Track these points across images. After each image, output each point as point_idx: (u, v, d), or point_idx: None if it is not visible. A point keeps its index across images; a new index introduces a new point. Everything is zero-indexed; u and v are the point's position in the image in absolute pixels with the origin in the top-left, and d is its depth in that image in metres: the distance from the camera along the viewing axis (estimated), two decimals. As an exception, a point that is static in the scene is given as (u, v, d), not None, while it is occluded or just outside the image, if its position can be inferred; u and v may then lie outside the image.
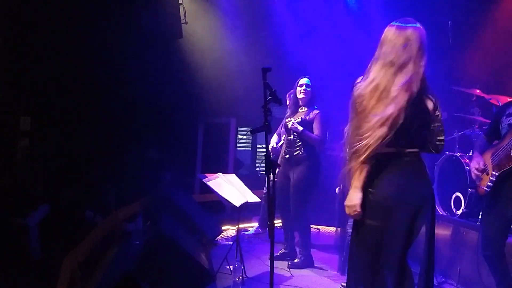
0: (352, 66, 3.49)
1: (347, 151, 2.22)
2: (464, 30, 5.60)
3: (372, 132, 2.12)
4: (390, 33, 2.24)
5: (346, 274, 2.43)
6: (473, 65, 5.49)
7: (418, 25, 2.25)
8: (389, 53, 2.19)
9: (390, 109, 2.12)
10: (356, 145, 2.14)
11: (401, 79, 2.16)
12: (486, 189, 2.87)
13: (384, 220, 2.18)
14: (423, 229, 2.28)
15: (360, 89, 2.19)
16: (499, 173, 2.80)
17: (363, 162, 2.13)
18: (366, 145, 2.12)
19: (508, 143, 2.77)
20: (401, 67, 2.17)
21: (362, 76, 2.27)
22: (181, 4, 5.94)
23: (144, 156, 6.38)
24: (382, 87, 2.15)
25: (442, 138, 2.30)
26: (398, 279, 2.18)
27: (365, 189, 2.19)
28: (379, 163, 2.17)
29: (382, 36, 2.25)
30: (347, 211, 2.22)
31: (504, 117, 2.94)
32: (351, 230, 2.41)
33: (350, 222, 3.62)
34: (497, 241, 2.93)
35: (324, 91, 5.04)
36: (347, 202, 2.21)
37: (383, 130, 2.11)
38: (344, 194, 3.62)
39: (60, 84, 5.66)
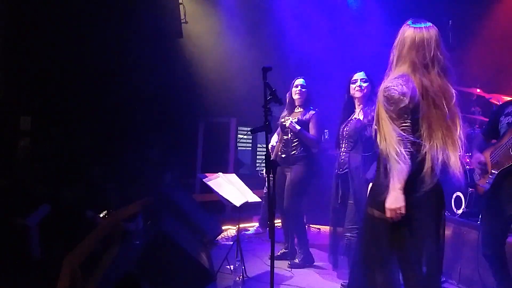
0: (352, 65, 3.50)
1: (385, 150, 2.16)
2: (464, 29, 5.59)
3: (431, 134, 2.14)
4: (407, 33, 2.24)
5: (341, 271, 2.42)
6: (474, 64, 5.49)
7: (430, 23, 2.28)
8: (432, 55, 2.18)
9: (439, 110, 2.15)
10: (403, 144, 2.10)
11: (447, 82, 2.19)
12: (486, 188, 2.87)
13: (428, 220, 2.18)
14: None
15: (402, 90, 2.14)
16: (498, 171, 2.80)
17: (405, 162, 2.09)
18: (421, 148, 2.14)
19: (507, 141, 2.77)
20: (446, 69, 2.20)
21: (387, 77, 2.25)
22: (181, 3, 5.94)
23: (144, 156, 6.38)
24: (432, 88, 2.15)
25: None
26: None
27: (381, 183, 2.19)
28: (416, 161, 2.14)
29: (413, 39, 2.22)
30: (390, 214, 2.14)
31: (503, 116, 2.94)
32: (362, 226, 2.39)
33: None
34: (497, 240, 2.93)
35: (325, 90, 5.05)
36: (389, 205, 2.13)
37: (439, 132, 2.14)
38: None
39: (60, 84, 5.67)
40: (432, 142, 2.14)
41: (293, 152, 4.27)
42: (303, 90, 4.32)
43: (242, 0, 6.52)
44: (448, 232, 4.07)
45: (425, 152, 2.14)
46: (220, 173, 4.22)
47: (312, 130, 4.23)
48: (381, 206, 2.17)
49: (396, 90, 2.13)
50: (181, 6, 5.94)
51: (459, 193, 4.14)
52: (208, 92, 6.39)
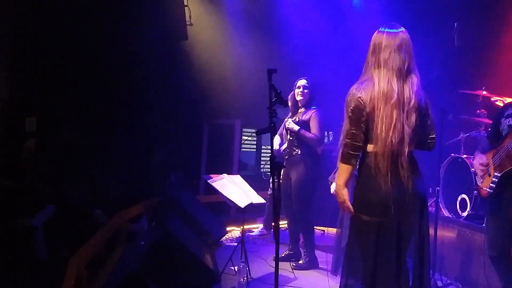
0: (356, 66, 3.50)
1: (342, 145, 2.33)
2: (470, 31, 5.57)
3: (387, 138, 2.23)
4: (383, 38, 2.33)
5: (340, 274, 2.46)
6: (479, 67, 5.47)
7: (403, 29, 2.38)
8: (389, 58, 2.28)
9: (394, 111, 2.24)
10: (352, 140, 2.27)
11: (410, 83, 2.29)
12: (489, 190, 2.86)
13: (384, 216, 2.26)
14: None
15: (365, 93, 2.27)
16: (501, 174, 2.79)
17: (350, 163, 2.28)
18: (373, 146, 2.27)
19: (508, 144, 2.76)
20: (406, 72, 2.30)
21: (358, 82, 2.35)
22: (186, 6, 5.96)
23: (150, 157, 6.40)
24: (394, 93, 2.25)
25: (433, 135, 2.43)
26: (396, 274, 2.27)
27: (361, 187, 2.33)
28: (370, 161, 2.29)
29: (375, 43, 2.35)
30: (341, 206, 2.38)
31: (504, 118, 2.93)
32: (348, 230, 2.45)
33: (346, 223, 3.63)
34: (502, 242, 2.92)
35: (329, 92, 5.04)
36: (339, 199, 2.36)
37: (395, 136, 2.23)
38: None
39: (66, 85, 5.70)
40: (385, 146, 2.24)
41: (295, 152, 4.28)
42: (306, 91, 4.33)
43: (247, 2, 6.53)
44: (453, 234, 4.06)
45: (375, 153, 2.26)
46: (224, 174, 4.23)
47: (312, 129, 4.21)
48: (368, 210, 2.29)
49: (356, 95, 2.27)
50: (186, 8, 5.96)
51: (464, 196, 4.12)
52: (212, 93, 6.40)
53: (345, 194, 2.34)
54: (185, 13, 5.98)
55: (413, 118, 2.27)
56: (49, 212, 4.15)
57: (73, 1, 5.50)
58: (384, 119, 2.23)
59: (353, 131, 2.27)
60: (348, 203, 2.33)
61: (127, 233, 4.15)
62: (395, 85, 2.26)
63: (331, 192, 4.03)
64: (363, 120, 2.26)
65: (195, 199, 5.35)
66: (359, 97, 2.26)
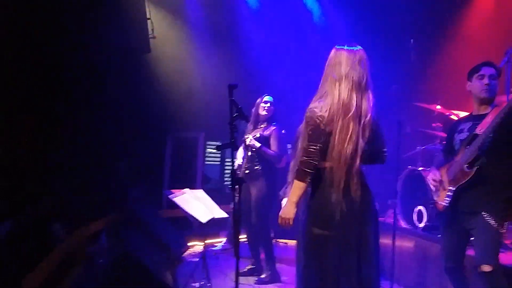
0: (316, 82, 3.57)
1: (294, 166, 2.39)
2: (426, 47, 5.79)
3: (342, 150, 2.28)
4: (343, 54, 2.40)
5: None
6: (435, 82, 5.69)
7: (360, 47, 2.46)
8: (349, 72, 2.35)
9: (351, 124, 2.30)
10: (309, 159, 2.29)
11: (367, 98, 2.36)
12: (444, 204, 2.95)
13: (336, 229, 2.31)
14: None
15: (324, 109, 2.31)
16: (455, 188, 2.87)
17: (305, 180, 2.31)
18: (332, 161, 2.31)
19: (461, 158, 2.85)
20: (365, 87, 2.37)
21: (315, 96, 2.42)
22: (149, 18, 5.91)
23: (111, 171, 6.26)
24: (352, 108, 2.31)
25: (385, 149, 2.51)
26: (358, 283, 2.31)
27: (314, 201, 2.36)
28: (326, 176, 2.32)
29: (335, 59, 2.41)
30: (281, 221, 2.40)
31: (456, 133, 3.03)
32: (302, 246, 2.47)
33: None
34: (456, 254, 3.00)
35: (290, 107, 5.11)
36: (283, 214, 2.38)
37: (350, 147, 2.29)
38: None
39: (23, 98, 5.53)
40: (339, 159, 2.29)
41: (257, 167, 4.31)
42: (271, 107, 4.39)
43: (211, 16, 6.56)
44: (410, 245, 4.16)
45: (331, 167, 2.31)
46: (186, 189, 4.20)
47: (273, 146, 4.29)
48: (322, 223, 2.32)
49: (315, 113, 2.32)
50: (149, 21, 5.91)
51: (421, 207, 4.24)
52: (176, 106, 6.36)
53: (293, 212, 2.37)
54: (147, 25, 5.92)
55: (368, 132, 2.34)
56: (4, 229, 3.99)
57: (28, 11, 5.36)
58: (341, 131, 2.29)
59: (311, 149, 2.30)
60: (292, 222, 2.37)
61: (85, 251, 4.03)
62: (354, 98, 2.32)
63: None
64: (321, 138, 2.30)
65: (156, 214, 5.27)
66: (319, 115, 2.31)
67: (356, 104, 2.31)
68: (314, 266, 2.35)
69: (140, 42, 5.93)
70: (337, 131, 2.29)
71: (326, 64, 2.45)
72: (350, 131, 2.28)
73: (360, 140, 2.31)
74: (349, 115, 2.29)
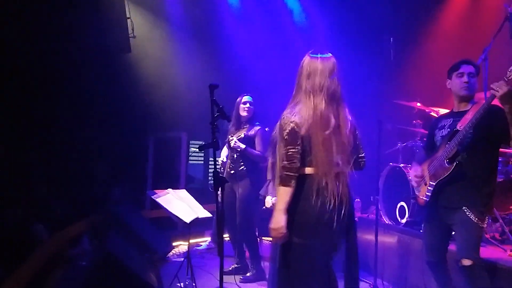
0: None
1: (277, 173, 2.34)
2: (405, 46, 5.86)
3: (320, 158, 2.29)
4: (318, 63, 2.38)
5: None
6: (414, 79, 5.76)
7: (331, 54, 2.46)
8: (325, 83, 2.35)
9: (331, 134, 2.31)
10: (290, 162, 2.28)
11: (342, 105, 2.38)
12: (425, 199, 2.99)
13: (317, 238, 2.31)
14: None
15: (298, 116, 2.32)
16: (435, 182, 2.92)
17: (289, 185, 2.28)
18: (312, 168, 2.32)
19: (441, 154, 2.90)
20: (340, 97, 2.39)
21: (288, 104, 2.42)
22: (129, 18, 5.86)
23: (92, 172, 6.19)
24: (326, 115, 2.32)
25: (363, 155, 2.53)
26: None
27: (295, 209, 2.32)
28: (308, 184, 2.32)
29: (308, 68, 2.39)
30: (273, 234, 2.31)
31: (437, 130, 3.08)
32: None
33: None
34: (439, 248, 3.05)
35: (271, 107, 5.12)
36: (273, 225, 2.30)
37: (328, 155, 2.30)
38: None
39: (2, 98, 5.43)
40: (324, 169, 2.30)
41: (241, 168, 4.33)
42: (251, 107, 4.40)
43: (191, 15, 6.53)
44: (393, 241, 4.21)
45: (313, 176, 2.31)
46: (169, 189, 4.17)
47: (258, 146, 4.31)
48: (302, 232, 2.31)
49: (289, 119, 2.31)
50: (129, 21, 5.86)
51: (402, 203, 4.30)
52: (158, 106, 6.32)
53: (283, 220, 2.28)
54: (127, 25, 5.87)
55: (350, 140, 2.37)
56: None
57: (7, 10, 5.26)
58: (323, 144, 2.29)
59: (290, 153, 2.29)
60: (284, 230, 2.28)
61: (67, 254, 3.98)
62: (332, 109, 2.33)
63: (266, 206, 4.11)
64: (298, 142, 2.29)
65: (139, 215, 5.22)
66: (293, 121, 2.30)
67: (334, 116, 2.33)
68: (287, 272, 2.34)
69: (120, 42, 5.88)
70: (319, 144, 2.29)
71: (299, 71, 2.42)
72: (333, 143, 2.30)
73: (344, 150, 2.33)
74: (330, 127, 2.30)
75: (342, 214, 2.33)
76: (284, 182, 2.29)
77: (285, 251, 2.34)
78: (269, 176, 2.41)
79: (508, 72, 2.66)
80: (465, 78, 2.94)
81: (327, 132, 2.30)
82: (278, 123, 2.38)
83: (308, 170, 2.32)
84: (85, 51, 5.70)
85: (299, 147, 2.29)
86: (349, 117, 2.41)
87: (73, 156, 5.82)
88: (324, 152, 2.29)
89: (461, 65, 2.97)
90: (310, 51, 2.46)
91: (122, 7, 5.75)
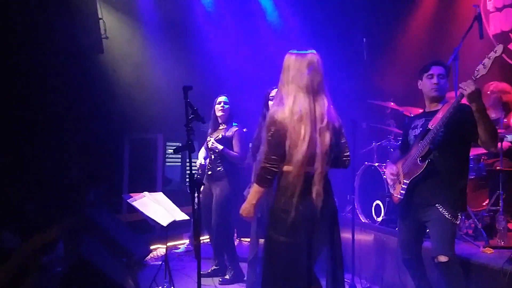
0: (272, 81, 3.61)
1: (256, 170, 2.41)
2: (378, 46, 5.93)
3: (298, 154, 2.28)
4: (292, 59, 2.41)
5: None
6: (387, 79, 5.84)
7: (314, 51, 2.47)
8: (295, 76, 2.37)
9: (311, 131, 2.30)
10: (270, 165, 2.31)
11: (321, 102, 2.36)
12: (400, 197, 3.04)
13: (297, 237, 2.31)
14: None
15: (280, 114, 2.32)
16: (409, 181, 2.96)
17: (264, 186, 2.35)
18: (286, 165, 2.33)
19: (414, 152, 2.95)
20: (317, 90, 2.37)
21: (274, 102, 2.47)
22: (101, 18, 5.76)
23: (66, 175, 6.07)
24: (305, 112, 2.31)
25: (348, 153, 2.53)
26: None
27: (274, 205, 2.36)
28: (288, 181, 2.32)
29: (284, 64, 2.43)
30: (241, 215, 2.50)
31: (411, 129, 3.14)
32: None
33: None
34: (413, 245, 3.10)
35: (248, 107, 5.12)
36: (242, 212, 2.49)
37: (307, 152, 2.28)
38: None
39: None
40: (299, 166, 2.29)
41: (219, 168, 4.31)
42: (226, 107, 4.39)
43: (165, 16, 6.47)
44: (369, 238, 4.27)
45: (293, 172, 2.31)
46: (145, 192, 4.13)
47: (235, 147, 4.30)
48: (285, 231, 2.31)
49: (272, 119, 2.32)
50: (101, 21, 5.77)
51: (378, 202, 4.36)
52: (133, 108, 6.22)
53: (252, 212, 2.45)
54: (99, 26, 5.78)
55: (327, 137, 2.33)
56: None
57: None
58: (297, 139, 2.29)
59: (271, 156, 2.31)
60: (251, 219, 2.53)
61: (40, 261, 3.90)
62: (305, 103, 2.32)
63: None
64: (282, 144, 2.30)
65: (115, 218, 5.15)
66: (276, 120, 2.31)
67: (308, 110, 2.31)
68: (269, 270, 2.36)
69: (93, 43, 5.78)
70: (293, 139, 2.29)
71: (282, 68, 2.47)
72: (307, 138, 2.28)
73: (320, 147, 2.30)
74: (302, 121, 2.29)
75: (324, 213, 2.33)
76: (261, 182, 2.35)
77: (265, 246, 2.37)
78: (253, 179, 2.43)
79: (475, 71, 2.72)
80: (434, 80, 2.99)
81: (299, 126, 2.29)
82: (266, 120, 2.41)
83: (288, 167, 2.32)
84: (57, 52, 5.58)
85: (281, 150, 2.31)
86: (332, 113, 2.39)
87: (46, 158, 5.69)
88: (297, 148, 2.28)
89: (431, 67, 3.03)
90: (293, 50, 2.48)
91: (94, 7, 5.65)
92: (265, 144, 2.35)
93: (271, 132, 2.31)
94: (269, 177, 2.32)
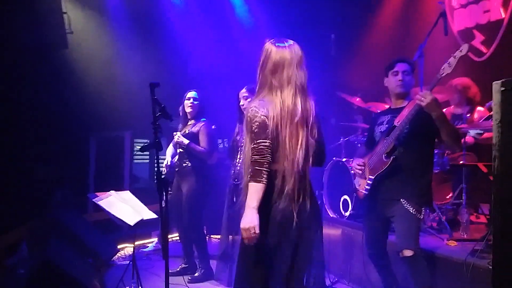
0: (243, 77, 3.59)
1: (246, 168, 2.23)
2: (345, 42, 6.00)
3: (287, 154, 2.19)
4: (286, 53, 2.27)
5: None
6: (355, 75, 5.92)
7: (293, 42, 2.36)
8: (292, 75, 2.24)
9: (300, 129, 2.22)
10: (260, 159, 2.16)
11: (309, 100, 2.27)
12: (365, 192, 3.08)
13: (285, 237, 2.21)
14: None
15: (267, 110, 2.20)
16: (374, 176, 3.01)
17: (261, 181, 2.15)
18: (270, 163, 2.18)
19: (380, 149, 3.00)
20: (306, 88, 2.28)
21: (254, 97, 2.31)
22: (65, 13, 5.60)
23: (31, 174, 5.89)
24: (292, 111, 2.21)
25: (325, 151, 2.43)
26: None
27: (267, 207, 2.21)
28: (275, 181, 2.21)
29: (277, 58, 2.26)
30: (245, 234, 2.15)
31: (377, 125, 3.18)
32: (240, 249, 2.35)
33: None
34: (378, 240, 3.15)
35: (219, 102, 5.09)
36: (245, 225, 2.14)
37: (302, 153, 2.20)
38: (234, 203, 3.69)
39: None
40: (292, 165, 2.20)
41: (186, 164, 4.26)
42: (195, 103, 4.33)
43: (131, 10, 6.34)
44: (337, 233, 4.32)
45: (281, 172, 2.21)
46: (112, 191, 4.04)
47: (202, 142, 4.22)
48: (271, 231, 2.20)
49: (258, 111, 2.19)
50: (65, 16, 5.60)
51: (346, 197, 4.41)
52: (98, 105, 6.08)
53: (256, 218, 2.13)
54: (63, 20, 5.61)
55: (315, 134, 2.27)
56: None
57: None
58: (291, 138, 2.19)
59: (261, 147, 2.16)
60: (257, 230, 2.13)
61: (3, 263, 3.78)
62: (299, 102, 2.22)
63: None
64: (268, 136, 2.17)
65: (81, 218, 5.04)
66: (263, 114, 2.19)
67: (301, 108, 2.22)
68: (244, 271, 2.28)
69: (56, 38, 5.62)
70: (286, 138, 2.19)
71: (264, 63, 2.29)
72: (300, 137, 2.20)
73: (310, 145, 2.24)
74: (296, 121, 2.20)
75: (308, 212, 2.25)
76: (255, 177, 2.14)
77: (247, 249, 2.23)
78: (247, 185, 2.24)
79: (441, 70, 2.79)
80: (399, 76, 3.05)
81: (294, 127, 2.20)
82: (246, 116, 2.26)
83: (275, 166, 2.21)
84: (18, 48, 5.40)
85: (269, 141, 2.17)
86: (314, 111, 2.30)
87: (10, 158, 5.51)
88: (291, 148, 2.19)
89: (395, 64, 3.08)
90: (273, 40, 2.33)
91: (57, 1, 5.48)
92: (248, 139, 2.23)
93: (256, 124, 2.18)
94: (263, 169, 2.14)
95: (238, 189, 3.66)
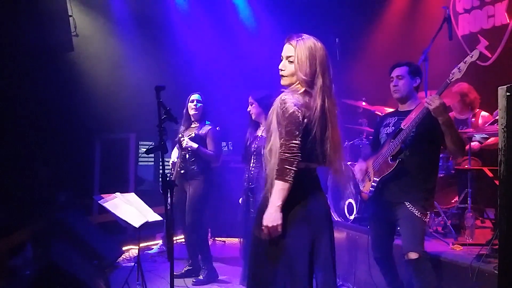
0: (246, 80, 3.61)
1: (272, 165, 2.17)
2: (350, 46, 6.00)
3: (320, 150, 2.19)
4: (323, 52, 2.24)
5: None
6: (359, 79, 5.92)
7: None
8: (328, 74, 2.23)
9: (329, 128, 2.21)
10: (290, 158, 2.11)
11: (332, 98, 2.24)
12: (369, 194, 3.08)
13: (307, 233, 2.21)
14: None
15: (302, 107, 2.16)
16: (379, 178, 3.01)
17: (289, 180, 2.11)
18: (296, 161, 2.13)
19: (386, 151, 3.00)
20: (329, 86, 2.24)
21: (289, 91, 2.23)
22: (71, 16, 5.64)
23: (35, 176, 5.92)
24: (323, 107, 2.19)
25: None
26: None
27: (290, 203, 2.17)
28: (308, 177, 2.23)
29: (319, 55, 2.22)
30: (268, 231, 2.12)
31: (382, 127, 3.18)
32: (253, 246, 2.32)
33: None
34: (384, 244, 3.15)
35: (222, 105, 5.11)
36: (269, 223, 2.11)
37: (327, 148, 2.20)
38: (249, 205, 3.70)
39: None
40: (319, 162, 2.23)
41: (192, 167, 4.27)
42: (199, 105, 4.36)
43: (137, 14, 6.38)
44: (342, 237, 4.31)
45: (309, 172, 2.23)
46: (117, 193, 4.05)
47: (209, 146, 4.28)
48: (292, 227, 2.17)
49: (292, 107, 2.13)
50: (71, 19, 5.64)
51: (351, 200, 4.40)
52: (104, 107, 6.11)
53: (280, 218, 2.11)
54: (69, 23, 5.65)
55: (337, 133, 2.25)
56: None
57: None
58: (320, 135, 2.17)
59: (292, 145, 2.10)
60: (280, 228, 2.11)
61: (7, 265, 3.79)
62: (330, 101, 2.21)
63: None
64: (300, 134, 2.13)
65: (86, 220, 5.06)
66: (298, 110, 2.13)
67: (330, 111, 2.20)
68: (260, 272, 2.24)
69: (62, 40, 5.66)
70: (316, 135, 2.16)
71: (305, 55, 2.19)
72: (327, 135, 2.19)
73: (332, 143, 2.22)
74: (326, 118, 2.18)
75: (325, 212, 2.28)
76: (283, 175, 2.09)
77: (260, 247, 2.22)
78: (268, 184, 2.20)
79: (450, 75, 2.78)
80: (393, 82, 3.08)
81: (324, 126, 2.19)
82: (277, 106, 2.18)
83: (301, 164, 2.16)
84: (24, 50, 5.44)
85: (300, 139, 2.11)
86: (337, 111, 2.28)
87: (15, 159, 5.54)
88: (320, 144, 2.18)
89: (391, 70, 3.12)
90: (304, 36, 2.25)
91: (63, 4, 5.53)
92: (278, 133, 2.16)
93: (291, 119, 2.12)
94: (292, 168, 2.09)
95: (253, 191, 3.71)
